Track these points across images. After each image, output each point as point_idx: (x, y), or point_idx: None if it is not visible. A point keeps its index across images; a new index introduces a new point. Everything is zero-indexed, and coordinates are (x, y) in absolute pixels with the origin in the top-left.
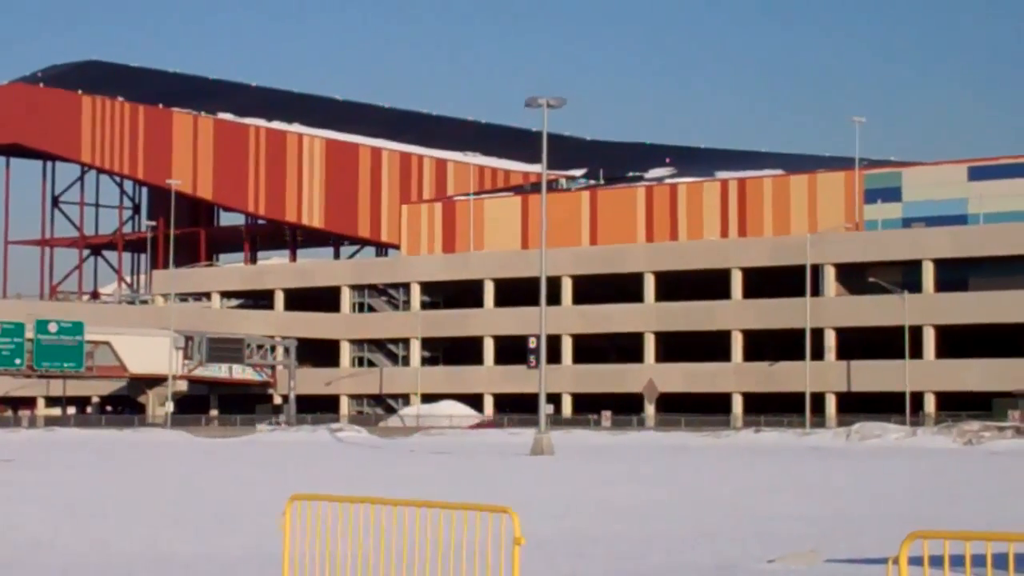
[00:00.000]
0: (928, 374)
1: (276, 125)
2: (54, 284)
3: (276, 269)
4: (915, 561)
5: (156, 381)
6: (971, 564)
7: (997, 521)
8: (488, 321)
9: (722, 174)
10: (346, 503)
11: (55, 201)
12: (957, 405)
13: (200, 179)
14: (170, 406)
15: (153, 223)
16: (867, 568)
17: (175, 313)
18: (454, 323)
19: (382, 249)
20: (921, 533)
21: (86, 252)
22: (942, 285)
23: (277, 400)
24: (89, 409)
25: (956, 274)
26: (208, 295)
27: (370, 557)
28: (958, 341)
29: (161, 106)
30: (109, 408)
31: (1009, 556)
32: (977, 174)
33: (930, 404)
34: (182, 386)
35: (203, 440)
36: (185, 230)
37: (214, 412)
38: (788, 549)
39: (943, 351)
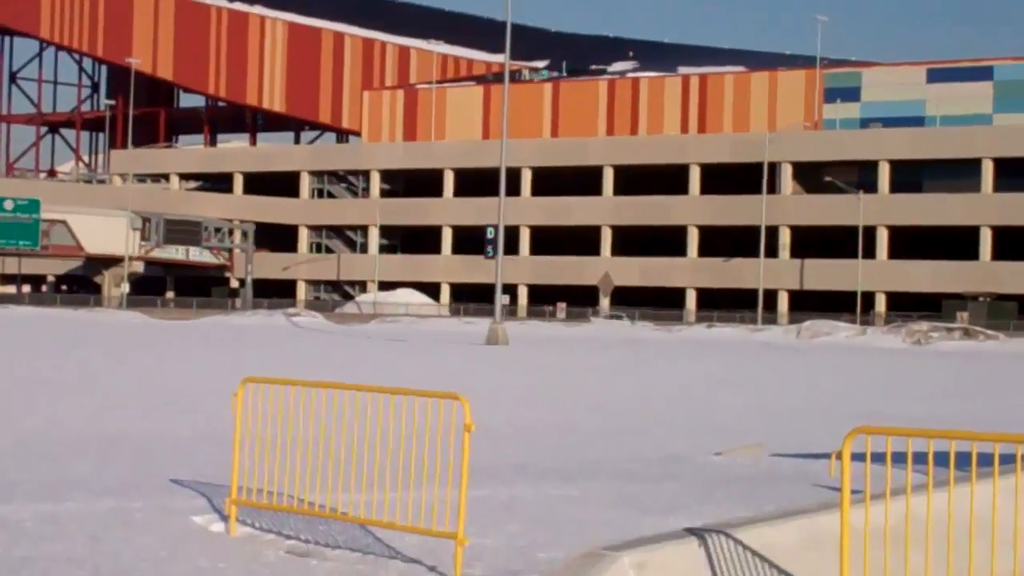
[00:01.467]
0: (880, 274)
1: (238, 6)
2: (10, 161)
3: (235, 152)
4: (858, 456)
5: (112, 261)
6: (912, 461)
7: (941, 420)
8: (447, 211)
9: (684, 70)
10: (298, 387)
11: (12, 77)
12: (907, 306)
13: (160, 59)
14: (126, 287)
15: (112, 102)
16: (811, 462)
17: (132, 193)
18: (413, 212)
19: (343, 136)
20: (865, 429)
21: (43, 130)
22: (897, 186)
23: (234, 284)
24: (44, 288)
25: (911, 175)
26: (167, 177)
27: (320, 440)
28: (910, 242)
29: None
30: (64, 287)
31: (950, 454)
32: (935, 76)
33: (881, 304)
34: (138, 267)
35: (158, 322)
36: (144, 110)
37: (170, 294)
38: (735, 442)
39: (895, 252)
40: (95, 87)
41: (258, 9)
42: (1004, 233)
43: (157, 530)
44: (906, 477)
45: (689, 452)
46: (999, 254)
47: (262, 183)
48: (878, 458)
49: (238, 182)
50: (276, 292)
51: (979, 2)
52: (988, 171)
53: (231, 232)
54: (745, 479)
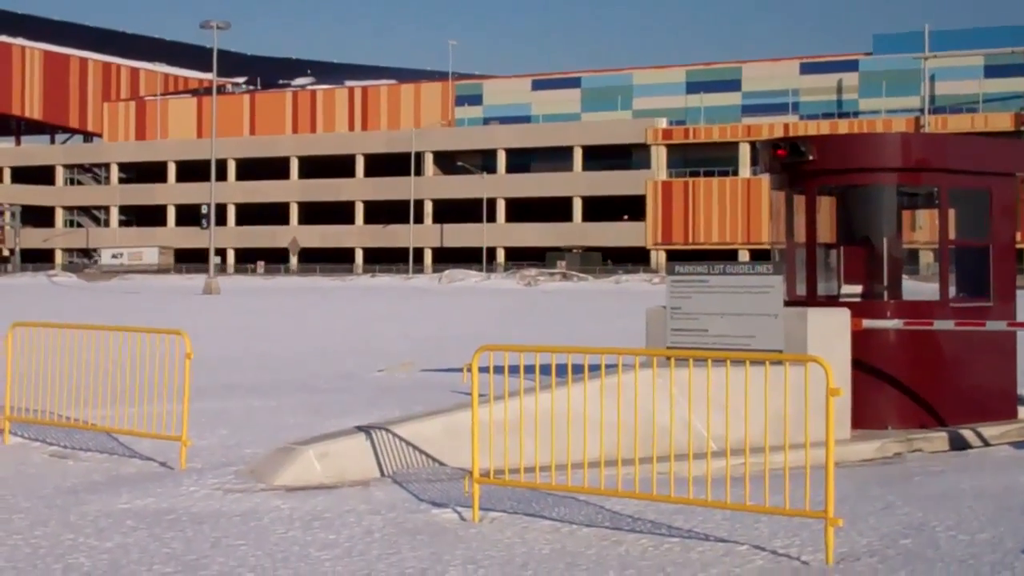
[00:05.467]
0: (500, 234)
1: (4, 38)
2: None
3: (4, 152)
4: (484, 369)
5: None
6: (524, 371)
7: (545, 339)
8: (171, 193)
9: (350, 83)
10: (57, 328)
11: None
12: (521, 256)
13: None
14: None
15: None
16: (450, 374)
17: None
18: (144, 194)
19: (88, 137)
20: (488, 347)
21: None
22: (511, 168)
23: (5, 253)
24: None
25: (521, 160)
26: None
27: (75, 369)
28: (522, 209)
29: None
30: None
31: (552, 365)
32: (538, 85)
33: (501, 256)
34: None
35: None
36: None
37: None
38: (393, 361)
39: (511, 216)
40: None
41: (20, 40)
42: (590, 201)
43: None
44: (519, 383)
45: (358, 370)
46: (587, 217)
47: (26, 175)
48: (500, 369)
49: (6, 174)
50: (39, 259)
51: (570, 25)
52: (578, 156)
53: (2, 213)
54: (401, 388)
